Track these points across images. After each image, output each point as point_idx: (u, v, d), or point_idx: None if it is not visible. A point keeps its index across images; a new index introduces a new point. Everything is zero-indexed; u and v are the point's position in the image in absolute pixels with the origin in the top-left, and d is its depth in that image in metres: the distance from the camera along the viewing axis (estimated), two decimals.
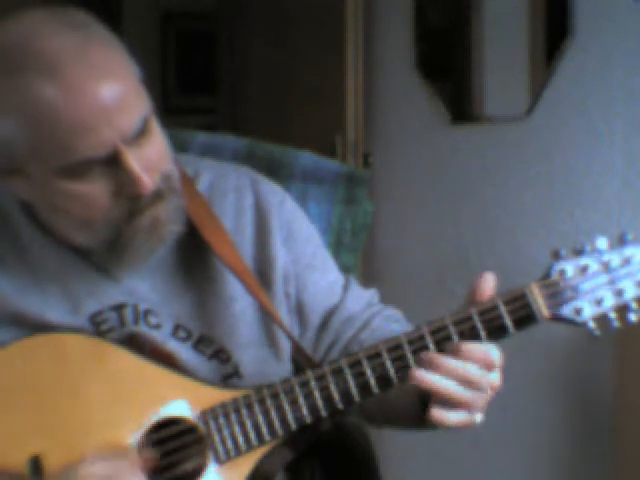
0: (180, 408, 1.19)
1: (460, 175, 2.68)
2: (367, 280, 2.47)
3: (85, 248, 1.24)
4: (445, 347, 1.14)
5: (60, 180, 1.15)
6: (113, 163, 1.14)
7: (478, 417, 1.16)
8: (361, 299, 1.37)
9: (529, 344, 2.24)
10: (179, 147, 1.53)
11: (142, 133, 1.16)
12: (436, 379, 1.12)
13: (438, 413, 1.13)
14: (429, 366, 1.13)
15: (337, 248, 1.63)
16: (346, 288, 1.36)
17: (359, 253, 1.67)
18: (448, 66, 2.75)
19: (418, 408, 1.20)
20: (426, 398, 1.17)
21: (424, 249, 2.80)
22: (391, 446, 2.50)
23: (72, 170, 1.14)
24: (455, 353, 1.13)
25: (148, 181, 1.15)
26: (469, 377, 1.13)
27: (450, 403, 1.13)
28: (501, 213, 2.55)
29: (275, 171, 1.56)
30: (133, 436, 1.18)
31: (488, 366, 1.14)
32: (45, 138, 1.12)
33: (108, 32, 1.16)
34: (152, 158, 1.17)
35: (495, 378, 1.15)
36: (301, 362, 1.29)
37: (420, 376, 1.13)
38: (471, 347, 1.13)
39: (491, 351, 1.14)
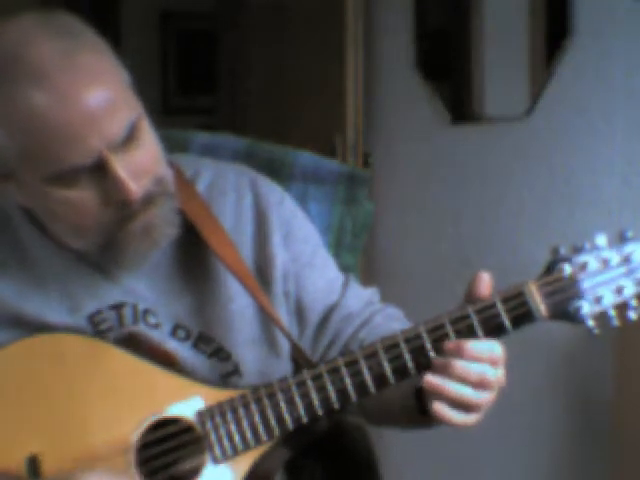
0: (177, 408, 1.19)
1: (460, 175, 2.68)
2: (367, 280, 2.45)
3: (81, 251, 1.24)
4: (445, 345, 1.12)
5: (50, 187, 1.15)
6: (100, 170, 1.14)
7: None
8: (361, 297, 1.37)
9: (529, 344, 2.23)
10: (179, 147, 1.53)
11: (130, 138, 1.15)
12: (452, 387, 1.09)
13: (443, 411, 1.11)
14: (443, 372, 1.10)
15: (337, 248, 1.62)
16: (345, 286, 1.36)
17: (359, 253, 1.67)
18: (448, 66, 2.75)
19: (414, 405, 1.19)
20: (421, 395, 1.16)
21: (424, 249, 2.80)
22: (391, 446, 2.50)
23: (61, 177, 1.14)
24: (460, 353, 1.10)
25: (135, 187, 1.14)
26: (485, 380, 1.10)
27: (461, 405, 1.11)
28: (501, 213, 2.55)
29: (275, 171, 1.56)
30: (131, 436, 1.18)
31: (494, 363, 1.12)
32: (33, 146, 1.12)
33: (97, 37, 1.16)
34: (142, 163, 1.16)
35: (501, 374, 1.13)
36: (300, 361, 1.29)
37: (435, 384, 1.10)
38: (477, 346, 1.11)
39: (495, 348, 1.12)
